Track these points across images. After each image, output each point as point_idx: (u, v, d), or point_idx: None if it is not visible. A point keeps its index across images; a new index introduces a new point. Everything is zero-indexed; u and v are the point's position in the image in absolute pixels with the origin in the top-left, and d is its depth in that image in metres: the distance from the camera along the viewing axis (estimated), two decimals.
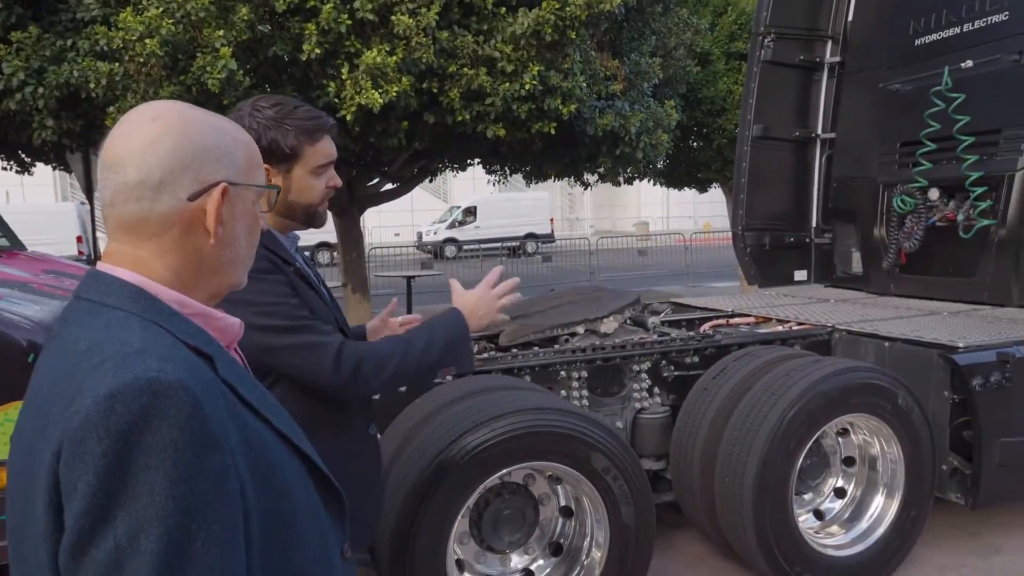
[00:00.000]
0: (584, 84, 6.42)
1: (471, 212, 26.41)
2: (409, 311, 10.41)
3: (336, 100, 5.70)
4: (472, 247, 23.70)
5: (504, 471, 2.70)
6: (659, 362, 3.64)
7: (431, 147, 7.29)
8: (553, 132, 6.49)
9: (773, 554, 3.04)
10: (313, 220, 1.72)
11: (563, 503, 3.01)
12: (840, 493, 3.48)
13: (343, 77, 5.53)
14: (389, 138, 6.29)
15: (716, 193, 14.59)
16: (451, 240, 25.44)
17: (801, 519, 3.26)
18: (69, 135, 6.23)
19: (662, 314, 4.47)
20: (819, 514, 3.45)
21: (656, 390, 3.64)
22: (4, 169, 9.05)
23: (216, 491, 0.77)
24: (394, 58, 5.39)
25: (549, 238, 26.20)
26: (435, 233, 26.01)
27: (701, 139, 11.37)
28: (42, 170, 9.71)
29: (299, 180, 1.64)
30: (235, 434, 0.82)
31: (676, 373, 3.65)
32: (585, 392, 3.53)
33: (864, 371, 3.27)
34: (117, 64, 5.36)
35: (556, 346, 3.59)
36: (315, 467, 0.98)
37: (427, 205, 30.63)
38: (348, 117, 5.67)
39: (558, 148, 7.34)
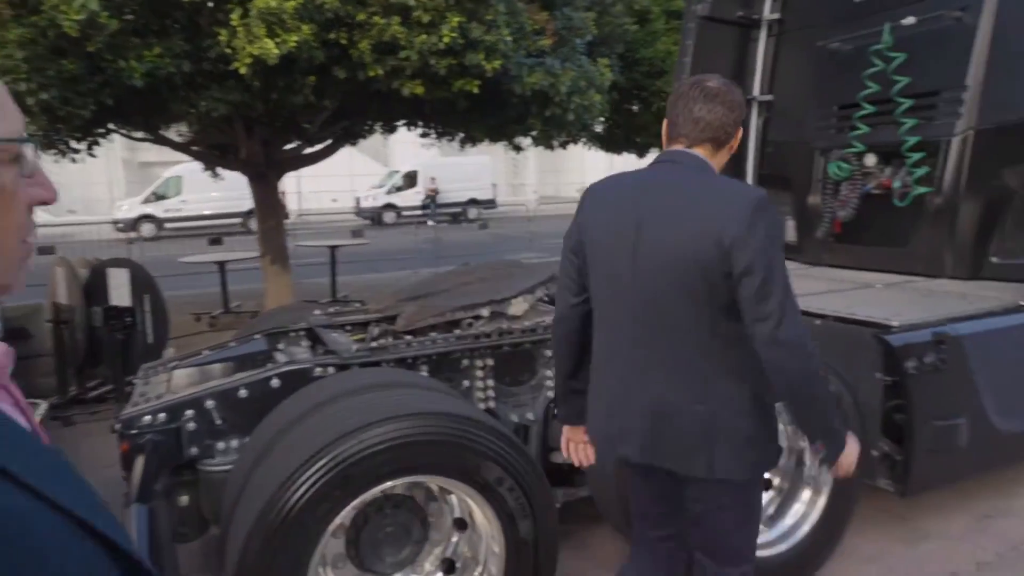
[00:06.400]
0: (509, 38, 5.92)
1: (411, 177, 25.65)
2: (333, 282, 9.84)
3: (229, 50, 5.10)
4: (410, 214, 23.09)
5: (382, 487, 2.31)
6: None
7: (347, 106, 6.70)
8: (477, 91, 6.00)
9: None
10: None
11: (457, 514, 2.65)
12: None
13: (233, 23, 4.92)
14: (294, 95, 5.70)
15: None
16: (390, 206, 24.77)
17: None
18: None
19: None
20: None
21: None
22: None
23: None
24: (292, 2, 4.80)
25: (491, 204, 25.80)
26: (373, 199, 25.26)
27: (640, 102, 10.96)
28: None
29: None
30: None
31: None
32: (491, 383, 3.16)
33: None
34: None
35: (457, 331, 3.20)
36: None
37: (368, 169, 29.74)
38: (243, 70, 5.08)
39: (485, 109, 6.84)
